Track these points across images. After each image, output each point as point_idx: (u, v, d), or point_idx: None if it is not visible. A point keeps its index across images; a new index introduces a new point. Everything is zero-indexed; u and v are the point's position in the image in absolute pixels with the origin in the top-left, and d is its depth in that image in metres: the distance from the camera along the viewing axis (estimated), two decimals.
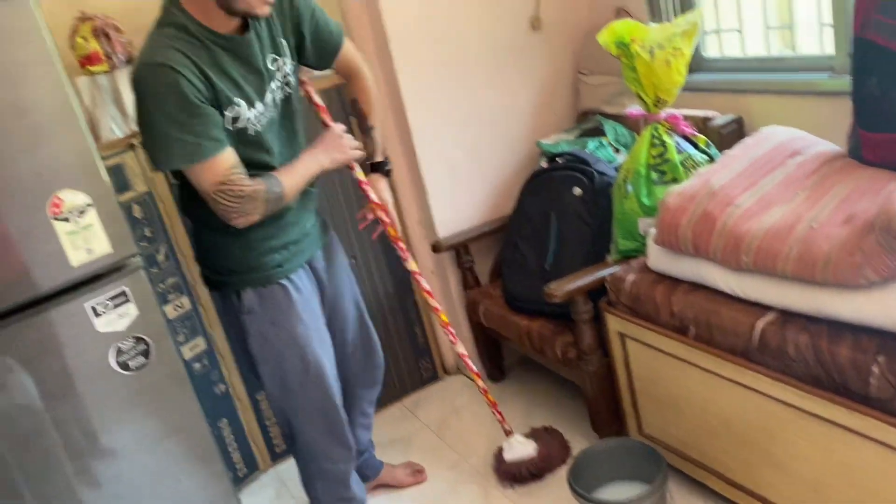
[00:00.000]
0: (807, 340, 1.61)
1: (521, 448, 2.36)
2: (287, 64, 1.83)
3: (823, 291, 1.60)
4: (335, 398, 2.04)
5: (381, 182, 2.13)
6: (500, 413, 2.41)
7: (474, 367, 2.35)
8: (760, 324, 1.71)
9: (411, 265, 2.25)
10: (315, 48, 1.91)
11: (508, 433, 2.40)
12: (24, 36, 1.54)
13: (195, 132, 1.61)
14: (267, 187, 1.73)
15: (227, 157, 1.67)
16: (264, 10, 1.66)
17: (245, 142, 1.75)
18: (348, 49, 1.99)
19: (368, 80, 2.07)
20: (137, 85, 1.62)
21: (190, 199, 1.82)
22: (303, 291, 1.94)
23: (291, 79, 1.86)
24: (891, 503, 1.53)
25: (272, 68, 1.79)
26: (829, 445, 1.61)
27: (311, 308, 1.97)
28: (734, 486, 1.94)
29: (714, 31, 2.58)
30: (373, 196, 2.10)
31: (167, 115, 1.59)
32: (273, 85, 1.80)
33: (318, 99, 2.07)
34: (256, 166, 1.76)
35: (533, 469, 2.33)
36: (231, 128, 1.71)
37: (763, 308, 1.75)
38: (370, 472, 2.44)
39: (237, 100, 1.70)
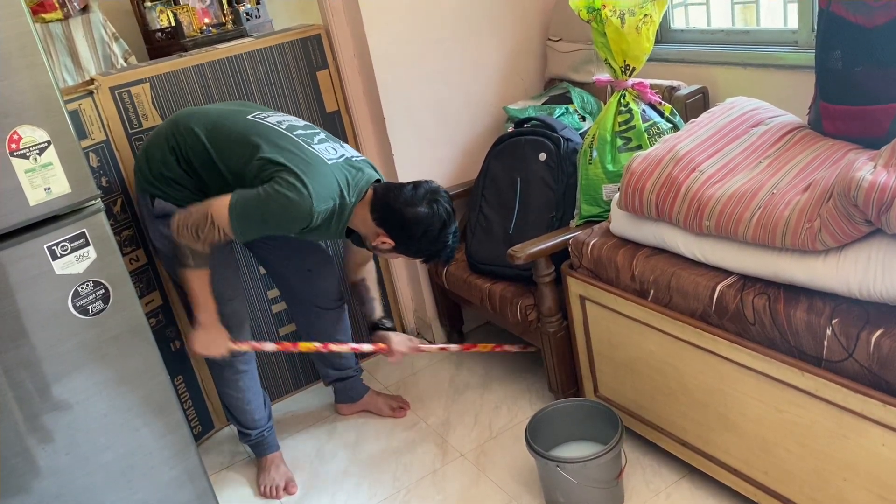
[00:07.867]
0: (764, 304, 1.65)
1: None
2: None
3: (782, 256, 1.64)
4: None
5: (396, 337, 2.40)
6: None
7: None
8: (719, 287, 1.75)
9: None
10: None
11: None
12: None
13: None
14: (193, 246, 1.98)
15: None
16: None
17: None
18: None
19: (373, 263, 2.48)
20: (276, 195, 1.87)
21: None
22: None
23: None
24: (835, 459, 1.59)
25: None
26: (780, 406, 1.66)
27: None
28: (687, 447, 1.99)
29: (681, 3, 2.60)
30: (400, 352, 2.39)
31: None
32: None
33: None
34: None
35: None
36: None
37: (723, 272, 1.78)
38: (354, 395, 2.64)
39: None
